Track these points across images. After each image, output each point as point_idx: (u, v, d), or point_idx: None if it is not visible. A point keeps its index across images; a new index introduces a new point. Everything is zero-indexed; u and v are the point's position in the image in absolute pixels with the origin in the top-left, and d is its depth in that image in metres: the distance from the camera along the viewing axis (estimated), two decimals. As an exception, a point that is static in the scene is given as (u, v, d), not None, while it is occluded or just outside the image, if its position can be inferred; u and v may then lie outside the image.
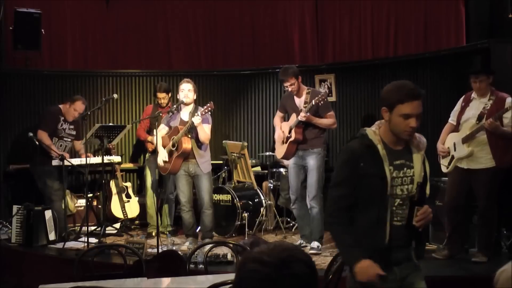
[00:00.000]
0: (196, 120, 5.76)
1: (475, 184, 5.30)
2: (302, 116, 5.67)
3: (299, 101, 5.85)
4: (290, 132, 5.85)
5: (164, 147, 6.04)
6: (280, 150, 6.04)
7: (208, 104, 5.81)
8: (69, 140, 6.61)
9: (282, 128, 6.00)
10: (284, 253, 1.48)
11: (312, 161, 5.82)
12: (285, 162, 6.97)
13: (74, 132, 6.64)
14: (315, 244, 5.78)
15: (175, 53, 8.79)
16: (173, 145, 5.95)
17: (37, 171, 6.48)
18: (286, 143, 5.91)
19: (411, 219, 2.78)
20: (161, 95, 6.84)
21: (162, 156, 6.02)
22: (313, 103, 5.65)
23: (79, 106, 6.52)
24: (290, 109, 5.95)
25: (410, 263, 2.91)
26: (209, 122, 6.01)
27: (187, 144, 5.87)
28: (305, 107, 5.71)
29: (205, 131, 5.91)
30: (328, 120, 5.82)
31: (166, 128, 6.08)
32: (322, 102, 5.66)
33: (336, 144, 7.63)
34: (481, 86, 5.28)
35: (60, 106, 6.61)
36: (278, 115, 6.16)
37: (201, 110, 5.81)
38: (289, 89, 5.85)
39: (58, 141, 6.52)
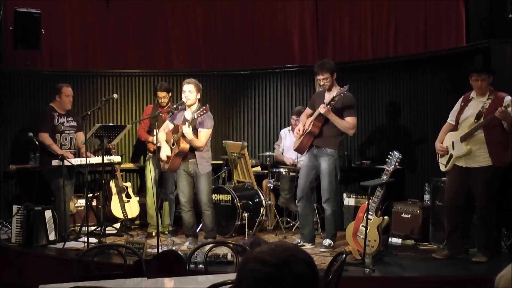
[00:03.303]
0: (185, 129, 5.73)
1: (473, 183, 5.30)
2: (322, 108, 5.68)
3: (328, 97, 5.82)
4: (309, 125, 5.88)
5: (167, 142, 6.03)
6: (296, 142, 6.09)
7: (203, 107, 5.75)
8: (72, 131, 6.64)
9: (305, 122, 5.98)
10: (285, 253, 1.48)
11: (325, 164, 5.82)
12: (290, 161, 7.01)
13: (74, 123, 6.66)
14: (327, 241, 5.91)
15: (175, 53, 8.78)
16: (173, 143, 5.95)
17: (45, 172, 6.50)
18: (303, 135, 5.92)
19: None
20: (161, 93, 6.83)
21: (165, 151, 5.96)
22: (335, 97, 5.64)
23: (66, 91, 6.56)
24: (318, 105, 5.86)
25: None
26: (208, 127, 5.91)
27: (185, 144, 5.85)
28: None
29: (195, 140, 5.82)
30: (345, 122, 5.76)
31: (172, 125, 6.06)
32: (341, 95, 5.63)
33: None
34: (483, 85, 5.27)
35: (51, 104, 6.63)
36: (306, 112, 6.13)
37: (197, 112, 5.77)
38: (321, 83, 5.85)
39: (62, 135, 6.55)
